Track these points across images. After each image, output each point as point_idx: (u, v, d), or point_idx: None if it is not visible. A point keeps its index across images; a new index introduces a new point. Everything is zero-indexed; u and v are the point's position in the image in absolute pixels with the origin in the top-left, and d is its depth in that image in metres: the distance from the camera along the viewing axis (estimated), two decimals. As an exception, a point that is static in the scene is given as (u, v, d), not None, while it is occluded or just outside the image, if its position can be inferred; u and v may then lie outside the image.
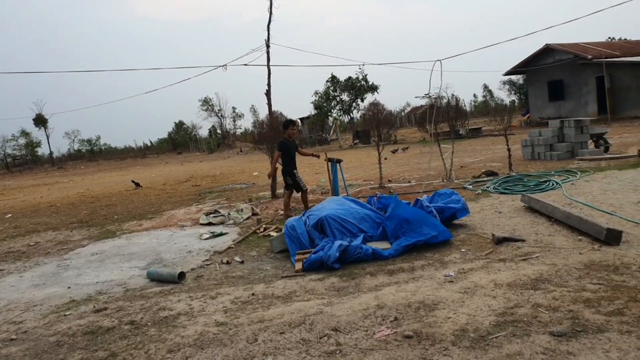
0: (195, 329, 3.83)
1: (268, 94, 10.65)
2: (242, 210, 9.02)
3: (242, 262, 5.86)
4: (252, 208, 9.17)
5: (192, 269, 5.82)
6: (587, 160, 11.55)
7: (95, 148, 67.07)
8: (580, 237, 5.16)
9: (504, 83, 64.13)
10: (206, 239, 7.33)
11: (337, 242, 5.16)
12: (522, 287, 4.00)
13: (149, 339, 3.75)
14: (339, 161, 9.70)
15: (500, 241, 5.32)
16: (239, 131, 60.18)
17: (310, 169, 18.86)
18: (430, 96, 10.58)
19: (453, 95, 11.28)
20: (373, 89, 34.85)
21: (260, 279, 5.13)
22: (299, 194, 8.83)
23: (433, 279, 4.48)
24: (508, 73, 36.65)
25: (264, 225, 7.64)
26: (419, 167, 15.04)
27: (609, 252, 4.60)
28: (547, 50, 31.40)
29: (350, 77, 34.98)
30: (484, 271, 4.51)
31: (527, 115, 34.47)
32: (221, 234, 7.52)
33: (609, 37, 35.41)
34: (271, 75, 10.83)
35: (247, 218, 8.75)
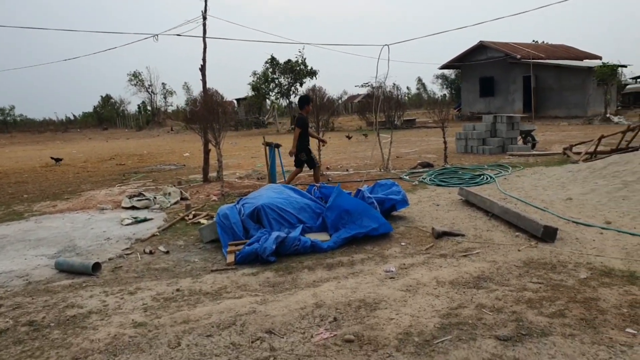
0: (109, 331, 3.34)
1: (203, 69, 9.97)
2: (169, 194, 8.39)
3: (167, 252, 5.35)
4: (181, 192, 8.57)
5: (109, 259, 5.22)
6: (516, 155, 11.96)
7: (8, 119, 61.44)
8: (517, 233, 5.16)
9: (437, 77, 66.21)
10: (128, 224, 6.69)
11: (274, 234, 4.80)
12: (465, 285, 3.87)
13: (50, 344, 3.22)
14: (278, 146, 9.31)
15: (440, 235, 5.22)
16: (170, 109, 57.55)
17: (246, 152, 18.27)
18: (372, 85, 10.38)
19: (394, 84, 11.16)
20: (312, 73, 34.44)
21: (187, 273, 4.67)
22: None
23: (374, 274, 4.26)
24: (444, 67, 37.68)
25: (193, 212, 7.10)
26: (356, 155, 14.96)
27: (546, 249, 4.61)
28: (481, 47, 32.56)
29: (289, 60, 34.32)
30: (426, 267, 4.36)
31: (459, 109, 35.72)
32: (145, 220, 6.90)
33: (534, 40, 37.28)
34: (207, 51, 10.15)
35: (175, 203, 8.15)
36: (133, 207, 7.84)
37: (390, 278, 4.14)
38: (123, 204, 8.04)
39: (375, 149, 11.15)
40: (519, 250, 4.63)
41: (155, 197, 8.21)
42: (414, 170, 10.33)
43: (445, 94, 62.37)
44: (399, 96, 11.17)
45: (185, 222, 6.76)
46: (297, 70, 34.37)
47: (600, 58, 34.14)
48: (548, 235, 4.79)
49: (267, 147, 9.25)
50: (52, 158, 17.39)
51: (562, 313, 3.25)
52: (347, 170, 11.18)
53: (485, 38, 32.37)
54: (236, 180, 10.54)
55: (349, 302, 3.63)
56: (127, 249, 5.59)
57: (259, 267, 4.62)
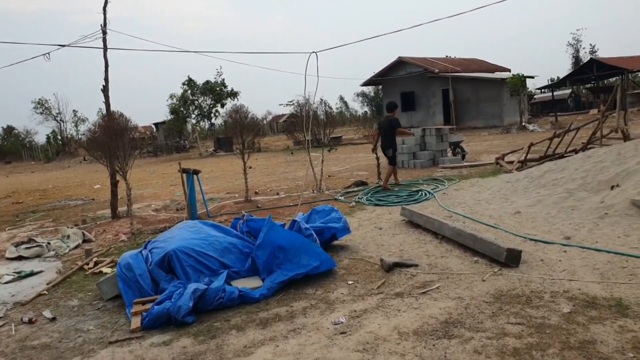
0: None
1: (105, 90, 8.71)
2: (68, 236, 7.05)
3: (54, 318, 4.16)
4: (84, 233, 7.25)
5: (-30, 338, 3.94)
6: (449, 167, 11.72)
7: None
8: (476, 258, 4.55)
9: (358, 95, 67.61)
10: (7, 282, 5.34)
11: (191, 286, 3.81)
12: (433, 335, 3.13)
13: None
14: (196, 172, 8.25)
15: (391, 268, 4.48)
16: (83, 138, 53.57)
17: (165, 180, 16.82)
18: (297, 103, 9.66)
19: (322, 100, 10.51)
20: (233, 94, 33.28)
21: (76, 349, 3.54)
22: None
23: (320, 329, 3.41)
24: (365, 83, 38.11)
25: (95, 258, 5.87)
26: (286, 176, 14.12)
27: (513, 276, 4.01)
28: (400, 63, 33.26)
29: (208, 81, 32.88)
30: (382, 313, 3.57)
31: (383, 124, 36.17)
32: (32, 274, 5.58)
33: (447, 55, 38.85)
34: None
35: (76, 247, 6.83)
36: (20, 258, 6.43)
37: (341, 333, 3.30)
38: (7, 254, 6.58)
39: (301, 170, 10.38)
40: (483, 280, 4.00)
41: (49, 243, 6.83)
42: (349, 190, 9.67)
43: (366, 111, 63.69)
44: (328, 112, 10.52)
45: (84, 272, 5.52)
46: (217, 92, 33.09)
47: (509, 70, 36.15)
48: (512, 259, 4.20)
49: (185, 175, 8.17)
50: None
51: (559, 366, 2.59)
52: (277, 194, 10.30)
53: (404, 54, 33.14)
54: (151, 213, 9.30)
55: (293, 377, 2.75)
56: (-1, 318, 4.31)
57: (172, 332, 3.60)
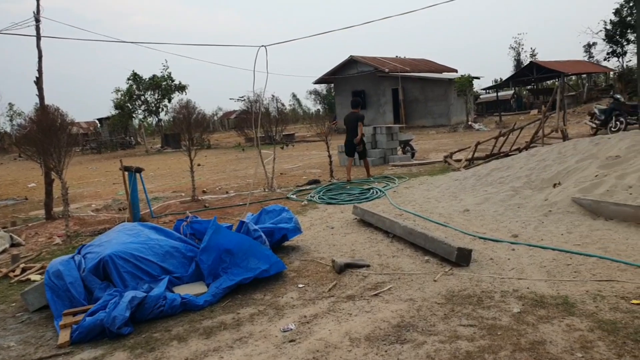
0: None
1: (39, 82, 8.08)
2: (-5, 240, 6.48)
3: (-29, 334, 3.74)
4: (11, 236, 6.69)
5: None
6: (399, 166, 11.81)
7: None
8: (427, 258, 4.51)
9: (311, 93, 67.68)
10: None
11: (129, 294, 3.52)
12: (385, 340, 3.02)
13: None
14: (139, 170, 7.82)
15: (342, 269, 4.36)
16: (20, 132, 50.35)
17: (108, 178, 16.03)
18: (248, 98, 9.40)
19: (273, 96, 10.28)
20: (181, 88, 32.23)
21: (-5, 368, 3.18)
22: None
23: (268, 337, 3.23)
24: (318, 81, 38.08)
25: (22, 264, 5.39)
26: (236, 174, 13.78)
27: (464, 276, 3.98)
28: (352, 62, 33.44)
29: (155, 75, 31.72)
30: (333, 318, 3.44)
31: (335, 122, 36.30)
32: (-51, 283, 5.04)
33: (397, 55, 39.46)
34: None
35: (3, 252, 6.28)
36: (-63, 265, 5.82)
37: (290, 341, 3.14)
38: None
39: (253, 167, 10.14)
40: (435, 281, 3.95)
41: (-28, 248, 6.25)
42: (301, 188, 9.51)
43: (319, 109, 63.88)
44: (280, 109, 10.32)
45: (9, 280, 5.06)
46: (164, 86, 31.99)
47: (456, 71, 37.22)
48: (463, 258, 4.19)
49: (127, 173, 7.74)
50: None
51: (511, 369, 2.54)
52: (227, 192, 9.99)
53: (356, 53, 33.34)
54: (91, 214, 8.76)
55: (238, 392, 2.56)
56: None
57: (106, 346, 3.31)
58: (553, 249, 4.34)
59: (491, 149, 11.03)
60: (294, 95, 78.21)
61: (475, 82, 33.07)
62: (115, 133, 36.07)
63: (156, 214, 8.11)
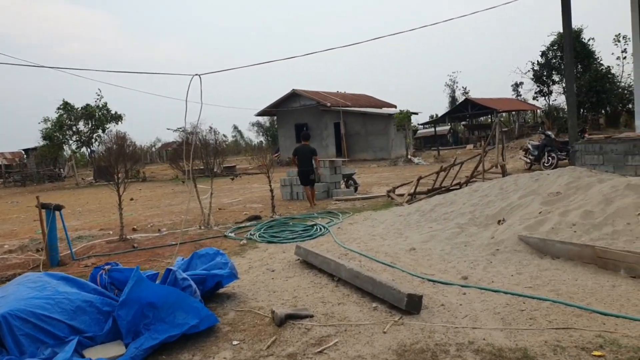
0: None
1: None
2: None
3: None
4: None
5: None
6: (343, 200, 11.59)
7: None
8: (375, 304, 4.17)
9: (253, 125, 67.55)
10: None
11: (22, 365, 2.90)
12: (332, 411, 2.61)
13: None
14: (58, 208, 7.04)
15: (283, 321, 3.92)
16: None
17: (28, 214, 14.66)
18: (184, 129, 8.89)
19: (211, 128, 9.83)
20: (117, 118, 30.83)
21: None
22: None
23: (194, 413, 2.72)
24: (260, 114, 37.92)
25: None
26: (171, 209, 13.01)
27: (415, 326, 3.67)
28: (294, 95, 33.64)
29: (88, 105, 30.15)
30: (272, 384, 2.98)
31: (277, 154, 36.04)
32: None
33: (338, 90, 40.22)
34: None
35: None
36: None
37: (221, 417, 2.65)
38: None
39: (192, 202, 9.55)
40: (384, 332, 3.60)
41: None
42: (241, 225, 9.00)
43: (261, 141, 63.68)
44: (218, 141, 9.87)
45: None
46: (99, 116, 30.47)
47: (395, 106, 38.37)
48: (413, 305, 3.88)
49: (44, 211, 6.94)
50: None
51: None
52: (159, 230, 9.28)
53: (298, 87, 33.60)
54: (1, 256, 7.77)
55: None
56: None
57: None
58: (505, 293, 4.14)
59: (433, 184, 11.07)
60: (235, 127, 77.72)
61: (413, 117, 34.15)
62: (43, 165, 33.72)
63: (78, 255, 7.29)
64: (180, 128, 32.81)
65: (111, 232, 9.29)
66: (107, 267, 4.11)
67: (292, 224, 8.67)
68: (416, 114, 33.92)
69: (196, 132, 8.44)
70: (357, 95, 40.15)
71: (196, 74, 5.40)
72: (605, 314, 3.53)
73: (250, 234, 7.93)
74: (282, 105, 34.46)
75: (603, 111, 30.88)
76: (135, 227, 9.74)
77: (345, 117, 31.38)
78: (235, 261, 6.22)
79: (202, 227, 8.95)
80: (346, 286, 4.74)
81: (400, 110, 30.58)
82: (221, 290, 4.83)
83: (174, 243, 7.74)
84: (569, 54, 10.14)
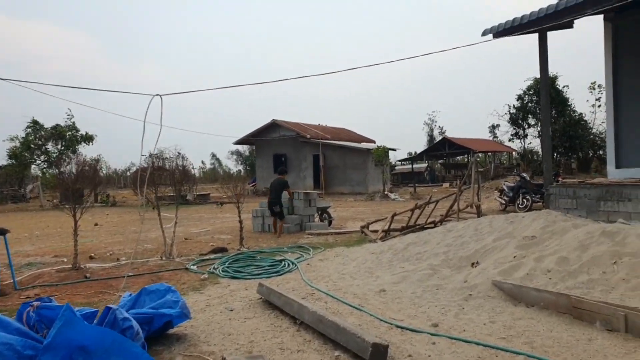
0: None
1: None
2: None
3: None
4: None
5: None
6: (316, 234, 11.25)
7: None
8: (337, 353, 3.81)
9: (232, 153, 67.20)
10: None
11: None
12: None
13: None
14: (3, 232, 6.52)
15: (234, 370, 3.52)
16: None
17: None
18: (150, 154, 8.51)
19: (179, 153, 9.47)
20: (88, 139, 30.07)
21: None
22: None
23: None
24: (238, 142, 37.66)
25: None
26: (136, 237, 12.42)
27: (379, 380, 3.31)
28: (274, 125, 33.55)
29: (58, 125, 29.38)
30: None
31: (254, 184, 35.62)
32: None
33: (319, 123, 40.42)
34: None
35: None
36: None
37: None
38: None
39: (154, 230, 9.09)
40: (345, 387, 3.23)
41: None
42: (205, 258, 8.55)
43: (240, 170, 63.25)
44: (185, 166, 9.51)
45: None
46: (69, 136, 29.67)
47: (374, 142, 38.57)
48: (378, 356, 3.54)
49: (-11, 235, 6.42)
50: None
51: None
52: (118, 259, 8.74)
53: (279, 118, 33.58)
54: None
55: None
56: None
57: None
58: (477, 344, 3.83)
59: (407, 221, 10.85)
60: (213, 155, 77.09)
61: (391, 153, 34.37)
62: (7, 184, 32.47)
63: (22, 285, 6.72)
64: (155, 153, 32.16)
65: (65, 260, 8.71)
66: (35, 303, 3.67)
67: (259, 258, 8.27)
68: (394, 150, 34.14)
69: (153, 157, 8.06)
70: (337, 129, 40.34)
71: (157, 94, 5.11)
72: (584, 373, 3.25)
73: (214, 268, 7.49)
74: (261, 134, 34.31)
75: (575, 156, 31.61)
76: (93, 254, 9.17)
77: (324, 150, 31.34)
78: (192, 297, 5.82)
79: (164, 258, 8.46)
80: (308, 331, 4.37)
81: (378, 146, 30.71)
82: (172, 331, 4.41)
83: (131, 274, 7.26)
84: (545, 99, 10.23)
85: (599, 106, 30.76)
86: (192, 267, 7.69)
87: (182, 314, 4.18)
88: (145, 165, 7.99)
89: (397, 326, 4.39)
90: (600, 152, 29.12)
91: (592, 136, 30.60)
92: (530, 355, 3.54)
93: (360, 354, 3.62)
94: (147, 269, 7.62)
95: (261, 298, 5.53)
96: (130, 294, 4.48)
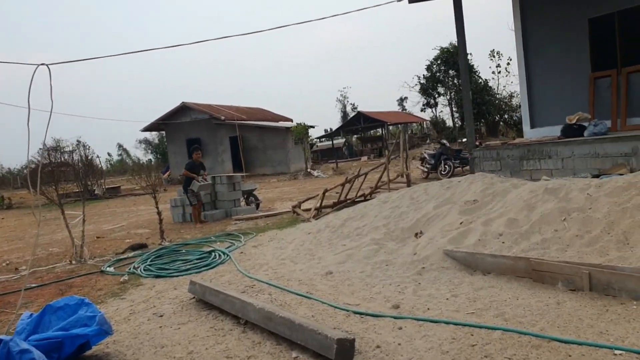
0: None
1: None
2: None
3: None
4: None
5: None
6: (244, 219, 10.57)
7: None
8: (295, 355, 3.29)
9: (140, 142, 63.34)
10: None
11: None
12: None
13: None
14: None
15: (174, 394, 2.88)
16: None
17: None
18: (44, 145, 7.33)
19: (81, 143, 8.30)
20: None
21: None
22: None
23: None
24: (147, 129, 35.29)
25: None
26: (38, 241, 10.93)
27: (350, 382, 2.85)
28: (184, 109, 31.76)
29: None
30: None
31: (168, 172, 33.65)
32: None
33: (231, 104, 39.00)
34: None
35: None
36: None
37: None
38: None
39: (59, 231, 7.94)
40: (313, 397, 2.73)
41: None
42: (122, 257, 7.58)
43: (150, 159, 59.92)
44: (89, 157, 8.38)
45: None
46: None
47: (292, 120, 38.04)
48: (344, 354, 3.07)
49: None
50: None
51: None
52: (16, 269, 7.51)
53: (189, 100, 31.79)
54: None
55: None
56: None
57: None
58: (447, 323, 3.50)
59: (338, 196, 10.52)
60: (120, 146, 72.32)
61: (310, 131, 34.08)
62: None
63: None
64: (54, 145, 29.09)
65: (-52, 277, 7.31)
66: None
67: (185, 252, 7.47)
68: (312, 127, 33.88)
69: (49, 149, 6.94)
70: (253, 109, 39.19)
71: (42, 64, 4.11)
72: (566, 342, 3.01)
73: (134, 267, 6.61)
74: (171, 119, 32.32)
75: (483, 121, 33.36)
76: (-16, 267, 7.82)
77: (241, 131, 30.25)
78: (112, 305, 5.00)
79: (74, 262, 7.38)
80: (256, 331, 3.80)
81: (297, 124, 30.23)
82: (89, 352, 3.63)
83: (34, 285, 6.19)
84: (464, 62, 10.27)
85: (499, 72, 32.58)
86: (108, 268, 6.74)
87: (102, 330, 3.42)
88: (39, 158, 6.81)
89: (356, 312, 3.96)
90: (506, 116, 30.93)
91: (497, 101, 32.41)
92: (506, 329, 3.25)
93: (323, 353, 3.13)
94: (54, 277, 6.57)
95: (194, 298, 4.84)
96: (31, 314, 3.61)
